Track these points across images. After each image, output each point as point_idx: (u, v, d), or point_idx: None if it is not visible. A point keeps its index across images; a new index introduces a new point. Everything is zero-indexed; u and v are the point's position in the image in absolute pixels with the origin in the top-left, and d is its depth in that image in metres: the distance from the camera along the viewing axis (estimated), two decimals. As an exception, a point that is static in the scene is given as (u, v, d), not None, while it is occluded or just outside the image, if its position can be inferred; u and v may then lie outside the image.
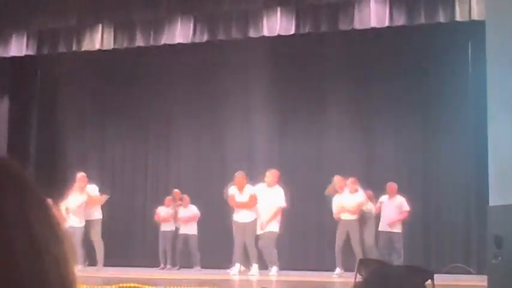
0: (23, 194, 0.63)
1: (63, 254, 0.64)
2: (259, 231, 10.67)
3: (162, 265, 12.39)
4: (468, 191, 11.84)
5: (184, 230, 12.31)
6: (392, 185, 11.11)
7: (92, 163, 13.50)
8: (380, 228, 10.97)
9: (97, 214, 11.73)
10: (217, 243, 12.41)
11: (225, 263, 11.27)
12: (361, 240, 10.69)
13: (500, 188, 6.21)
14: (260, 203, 10.68)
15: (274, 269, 10.49)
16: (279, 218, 10.78)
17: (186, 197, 12.44)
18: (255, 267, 10.57)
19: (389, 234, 10.92)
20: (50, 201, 0.66)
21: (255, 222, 10.67)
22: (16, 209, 0.61)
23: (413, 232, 12.04)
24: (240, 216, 10.75)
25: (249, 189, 10.85)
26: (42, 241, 0.62)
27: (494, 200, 6.25)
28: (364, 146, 12.64)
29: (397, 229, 10.97)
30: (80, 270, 10.61)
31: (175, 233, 12.49)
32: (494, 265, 5.83)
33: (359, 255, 10.16)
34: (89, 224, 11.58)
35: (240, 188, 10.87)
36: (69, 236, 0.67)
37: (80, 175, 11.71)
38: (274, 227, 10.74)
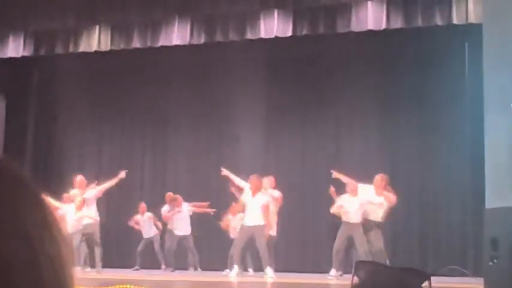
0: (18, 192, 0.62)
1: (59, 254, 0.62)
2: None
3: (137, 266, 12.49)
4: (465, 193, 11.84)
5: (179, 231, 12.29)
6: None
7: (88, 164, 13.49)
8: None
9: (94, 216, 11.69)
10: (213, 245, 12.42)
11: (222, 265, 11.27)
12: (369, 244, 10.47)
13: (497, 191, 6.21)
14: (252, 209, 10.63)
15: (269, 270, 10.45)
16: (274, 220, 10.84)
17: (179, 197, 12.43)
18: (269, 270, 10.40)
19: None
20: (48, 200, 0.65)
21: (264, 226, 10.57)
22: (9, 207, 0.60)
23: (410, 234, 12.06)
24: (250, 220, 10.63)
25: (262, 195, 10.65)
26: (37, 241, 0.60)
27: (490, 203, 6.25)
28: (361, 148, 12.64)
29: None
30: (78, 272, 10.58)
31: (163, 235, 12.54)
32: (491, 267, 5.84)
33: (365, 255, 10.03)
34: (87, 226, 11.52)
35: (254, 192, 10.63)
36: (67, 237, 0.66)
37: (79, 178, 11.63)
38: (274, 230, 10.85)
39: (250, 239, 10.54)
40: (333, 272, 10.47)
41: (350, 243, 10.53)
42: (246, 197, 10.67)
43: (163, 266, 12.46)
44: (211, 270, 11.57)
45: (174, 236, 12.33)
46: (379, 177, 10.52)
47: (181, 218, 12.31)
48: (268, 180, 11.02)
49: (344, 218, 10.55)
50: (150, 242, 12.68)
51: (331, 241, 10.82)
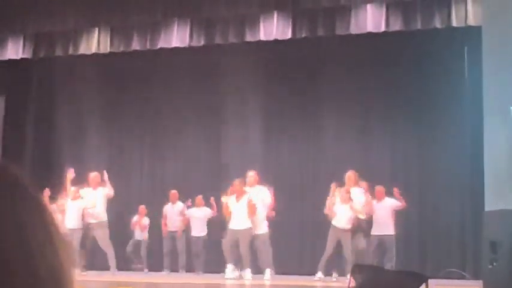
0: (16, 196, 0.62)
1: (58, 259, 0.62)
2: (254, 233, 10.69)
3: (137, 265, 12.57)
4: (464, 196, 11.83)
5: (196, 232, 12.26)
6: (379, 188, 10.94)
7: (87, 165, 13.45)
8: (372, 232, 10.83)
9: (103, 216, 11.57)
10: (213, 247, 12.38)
11: (223, 267, 11.24)
12: (353, 245, 10.53)
13: (496, 194, 6.23)
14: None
15: (268, 272, 10.47)
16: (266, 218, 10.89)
17: (199, 198, 12.40)
18: (268, 272, 10.51)
19: (382, 237, 10.81)
20: (48, 204, 0.65)
21: (250, 230, 10.62)
22: (8, 211, 0.60)
23: (409, 236, 12.04)
24: (235, 224, 10.67)
25: (247, 197, 10.73)
26: (36, 246, 0.60)
27: (489, 206, 6.27)
28: (359, 150, 12.63)
29: (390, 231, 10.81)
30: (80, 274, 10.52)
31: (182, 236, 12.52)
32: (490, 270, 5.84)
33: (350, 261, 10.08)
34: (93, 226, 11.50)
35: (238, 196, 10.78)
36: (67, 240, 0.67)
37: (94, 175, 11.63)
38: (265, 228, 10.83)
39: (236, 242, 10.62)
40: (320, 274, 10.44)
41: (339, 249, 10.50)
42: (231, 202, 10.75)
43: (145, 270, 12.48)
44: (215, 272, 11.55)
45: (191, 237, 12.30)
46: (351, 174, 10.53)
47: (198, 218, 12.28)
48: (252, 176, 10.98)
49: (333, 222, 10.55)
50: (138, 243, 12.71)
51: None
